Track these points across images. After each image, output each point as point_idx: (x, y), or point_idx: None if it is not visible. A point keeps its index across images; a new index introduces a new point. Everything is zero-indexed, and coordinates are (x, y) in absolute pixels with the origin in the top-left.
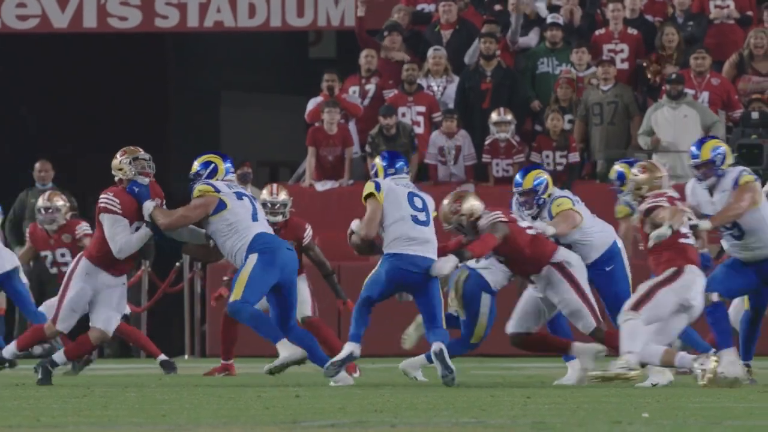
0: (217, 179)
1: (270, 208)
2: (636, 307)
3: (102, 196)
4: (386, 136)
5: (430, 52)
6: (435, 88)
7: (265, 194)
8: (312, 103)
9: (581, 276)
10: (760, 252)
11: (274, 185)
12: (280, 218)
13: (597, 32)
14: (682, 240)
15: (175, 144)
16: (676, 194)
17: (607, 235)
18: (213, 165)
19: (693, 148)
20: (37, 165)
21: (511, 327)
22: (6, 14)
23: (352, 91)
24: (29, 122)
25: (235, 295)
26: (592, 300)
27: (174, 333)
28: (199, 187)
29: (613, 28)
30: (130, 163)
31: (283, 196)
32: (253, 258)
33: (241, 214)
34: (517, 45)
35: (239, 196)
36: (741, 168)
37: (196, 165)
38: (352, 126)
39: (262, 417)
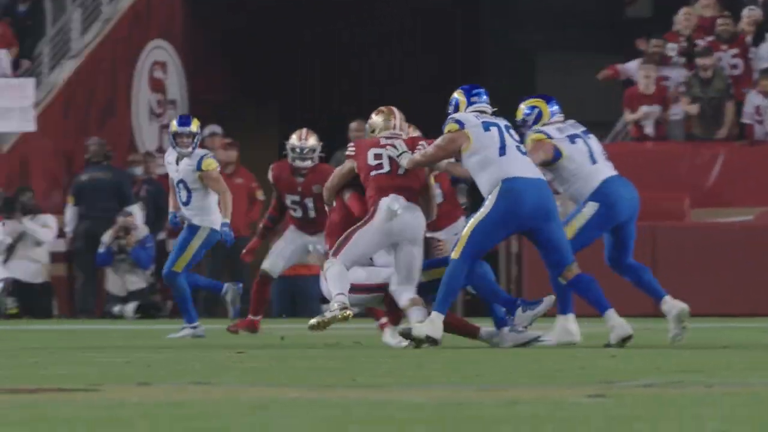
0: (543, 124)
1: (299, 153)
2: (336, 253)
3: None
4: (702, 78)
5: (745, 11)
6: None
7: (294, 139)
8: (630, 65)
9: None
10: None
11: (304, 130)
12: (308, 163)
13: None
14: (373, 173)
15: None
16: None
17: None
18: (537, 109)
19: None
20: (353, 124)
21: None
22: None
23: (671, 48)
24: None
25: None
26: None
27: None
28: (531, 135)
29: None
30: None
31: (312, 141)
32: (593, 206)
33: (579, 158)
34: None
35: (572, 139)
36: None
37: (522, 108)
38: None
39: (579, 377)
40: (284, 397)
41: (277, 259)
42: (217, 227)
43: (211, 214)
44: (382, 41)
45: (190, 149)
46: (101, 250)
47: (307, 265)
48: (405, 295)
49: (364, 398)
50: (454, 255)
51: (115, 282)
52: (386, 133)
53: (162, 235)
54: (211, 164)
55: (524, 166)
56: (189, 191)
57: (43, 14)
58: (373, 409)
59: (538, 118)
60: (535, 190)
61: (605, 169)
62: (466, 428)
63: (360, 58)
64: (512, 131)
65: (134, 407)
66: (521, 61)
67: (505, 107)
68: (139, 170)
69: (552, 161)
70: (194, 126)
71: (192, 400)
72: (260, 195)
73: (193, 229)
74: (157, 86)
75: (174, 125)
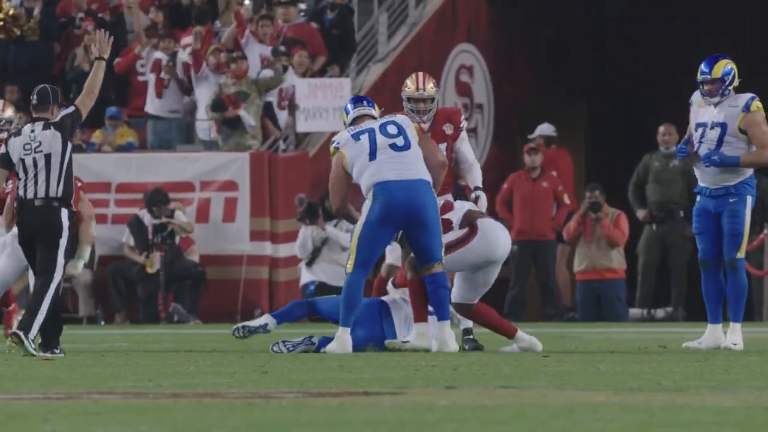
0: None
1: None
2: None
3: None
4: None
5: None
6: None
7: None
8: None
9: None
10: None
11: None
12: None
13: None
14: None
15: None
16: None
17: None
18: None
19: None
20: (661, 128)
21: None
22: None
23: None
24: (650, 86)
25: None
26: None
27: None
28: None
29: None
30: None
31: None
32: None
33: None
34: None
35: None
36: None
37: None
38: None
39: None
40: (590, 401)
41: None
42: None
43: None
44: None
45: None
46: None
47: (612, 269)
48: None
49: (670, 402)
50: (348, 269)
51: None
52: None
53: None
54: None
55: (398, 167)
56: None
57: (351, 19)
58: (678, 413)
59: None
60: (406, 190)
61: None
62: None
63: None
64: (389, 128)
65: (441, 410)
66: None
67: None
68: None
69: None
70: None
71: (499, 404)
72: (566, 199)
73: None
74: (464, 90)
75: None
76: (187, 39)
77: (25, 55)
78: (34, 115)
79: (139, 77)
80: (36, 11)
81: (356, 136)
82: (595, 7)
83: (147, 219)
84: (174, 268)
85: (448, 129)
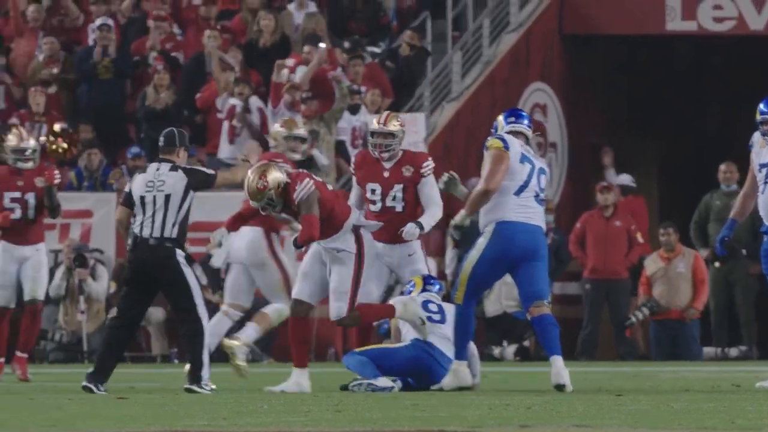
0: None
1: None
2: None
3: None
4: None
5: None
6: None
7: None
8: None
9: (369, 251)
10: None
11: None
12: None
13: None
14: None
15: None
16: None
17: None
18: None
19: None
20: (722, 167)
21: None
22: (702, 16)
23: None
24: (713, 123)
25: None
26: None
27: None
28: None
29: None
30: None
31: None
32: None
33: None
34: None
35: None
36: None
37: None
38: None
39: None
40: None
41: None
42: None
43: None
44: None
45: None
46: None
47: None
48: None
49: None
50: (458, 300)
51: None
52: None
53: None
54: None
55: (527, 212)
56: None
57: (425, 57)
58: None
59: None
60: (525, 233)
61: None
62: None
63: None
64: (542, 178)
65: None
66: None
67: None
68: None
69: None
70: None
71: None
72: (639, 238)
73: None
74: (538, 129)
75: None
76: (289, 61)
77: (99, 93)
78: (160, 156)
79: (218, 114)
80: (111, 49)
81: (523, 159)
82: (665, 53)
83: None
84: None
85: (407, 171)
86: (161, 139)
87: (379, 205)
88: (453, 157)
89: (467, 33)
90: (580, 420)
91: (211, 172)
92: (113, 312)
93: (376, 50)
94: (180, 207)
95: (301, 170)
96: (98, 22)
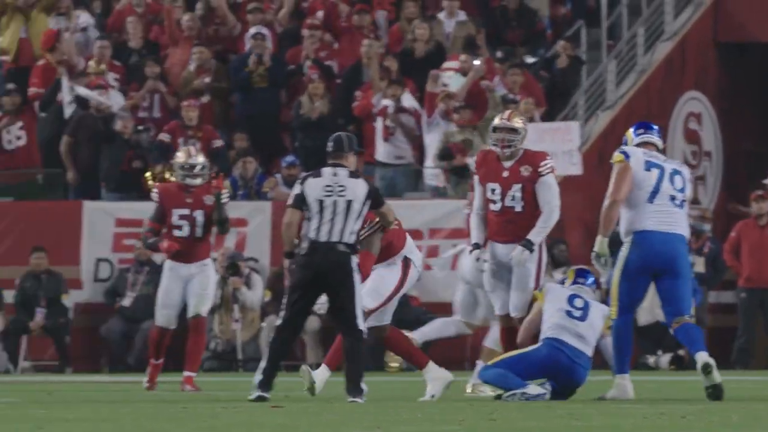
0: None
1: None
2: None
3: None
4: None
5: None
6: None
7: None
8: None
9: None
10: None
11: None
12: None
13: None
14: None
15: None
16: None
17: None
18: None
19: None
20: None
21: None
22: None
23: None
24: None
25: None
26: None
27: None
28: None
29: None
30: None
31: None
32: None
33: None
34: None
35: None
36: None
37: None
38: None
39: None
40: None
41: None
42: None
43: None
44: None
45: None
46: None
47: None
48: None
49: None
50: (613, 315)
51: None
52: None
53: None
54: None
55: (663, 218)
56: None
57: (580, 66)
58: None
59: None
60: (664, 241)
61: None
62: None
63: None
64: (676, 179)
65: None
66: None
67: None
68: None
69: None
70: None
71: None
72: None
73: None
74: (692, 137)
75: None
76: (450, 63)
77: (253, 102)
78: (329, 161)
79: (373, 123)
80: (266, 58)
81: (648, 166)
82: None
83: None
84: (403, 315)
85: (525, 171)
86: (330, 144)
87: (498, 204)
88: (607, 165)
89: (622, 41)
90: (734, 429)
91: (384, 203)
92: (275, 319)
93: (530, 59)
94: (360, 214)
95: None
96: (253, 30)
